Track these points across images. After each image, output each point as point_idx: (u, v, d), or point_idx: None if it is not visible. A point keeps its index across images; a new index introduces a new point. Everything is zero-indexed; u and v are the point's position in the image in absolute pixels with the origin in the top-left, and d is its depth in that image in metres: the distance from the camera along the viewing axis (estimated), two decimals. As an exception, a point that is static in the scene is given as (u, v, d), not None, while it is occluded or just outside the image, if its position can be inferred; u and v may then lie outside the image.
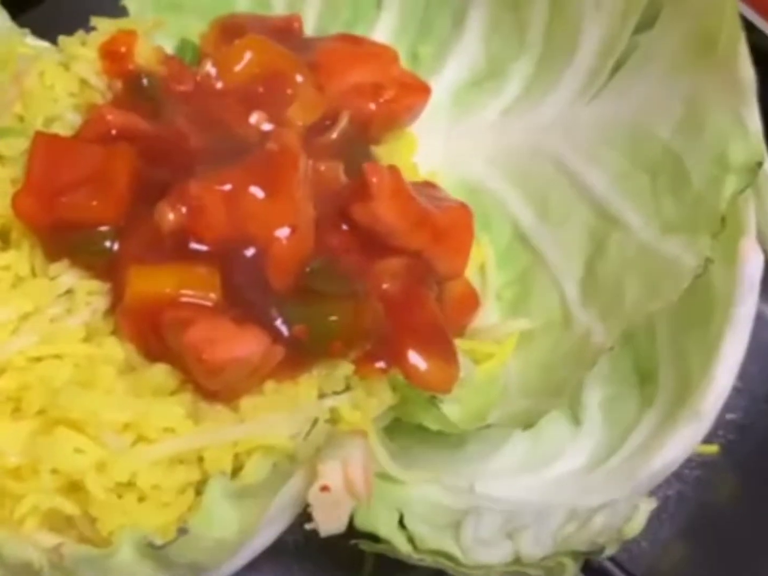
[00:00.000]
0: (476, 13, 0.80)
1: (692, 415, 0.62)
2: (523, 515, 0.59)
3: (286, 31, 0.82)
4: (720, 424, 0.85)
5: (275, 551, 0.62)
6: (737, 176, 0.60)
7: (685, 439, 0.62)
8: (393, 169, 0.68)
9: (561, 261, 0.71)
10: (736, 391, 0.87)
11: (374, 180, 0.66)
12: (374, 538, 0.59)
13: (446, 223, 0.70)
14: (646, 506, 0.57)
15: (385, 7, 0.84)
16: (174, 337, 0.56)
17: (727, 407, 0.85)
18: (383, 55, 0.81)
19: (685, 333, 0.66)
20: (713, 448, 0.84)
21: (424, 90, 0.79)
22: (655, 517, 0.80)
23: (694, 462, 0.83)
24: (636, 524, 0.56)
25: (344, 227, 0.67)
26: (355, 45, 0.81)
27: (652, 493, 0.80)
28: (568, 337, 0.67)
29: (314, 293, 0.61)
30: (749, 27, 0.71)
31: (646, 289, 0.63)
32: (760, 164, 0.60)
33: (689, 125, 0.64)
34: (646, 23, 0.70)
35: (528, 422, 0.64)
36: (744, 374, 0.88)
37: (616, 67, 0.71)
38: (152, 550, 0.51)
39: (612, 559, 0.68)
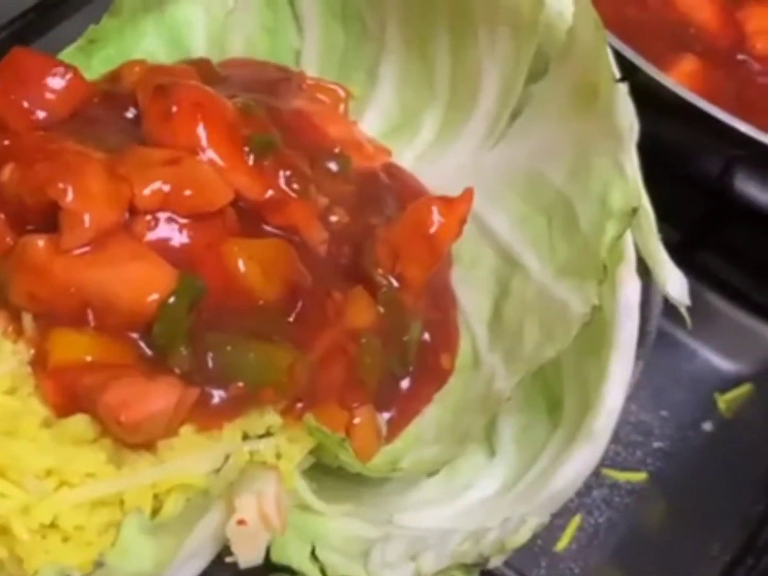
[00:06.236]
0: (387, 65, 0.83)
1: (587, 435, 0.64)
2: (428, 539, 0.62)
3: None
4: (648, 452, 0.89)
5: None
6: (616, 221, 0.63)
7: (582, 458, 0.65)
8: None
9: (472, 303, 0.74)
10: (663, 420, 0.91)
11: None
12: (291, 571, 0.62)
13: None
14: (533, 519, 0.60)
15: (303, 64, 0.87)
16: (91, 405, 0.59)
17: (655, 436, 0.90)
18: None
19: (585, 359, 0.69)
20: (642, 476, 0.87)
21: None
22: (586, 544, 0.84)
23: (623, 490, 0.86)
24: (521, 536, 0.59)
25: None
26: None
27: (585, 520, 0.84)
28: (476, 380, 0.70)
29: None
30: (632, 68, 0.76)
31: (541, 333, 0.65)
32: (636, 210, 0.63)
33: (578, 170, 0.67)
34: (538, 73, 0.73)
35: (433, 470, 0.67)
36: (670, 403, 0.92)
37: (514, 115, 0.75)
38: (71, 584, 0.54)
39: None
